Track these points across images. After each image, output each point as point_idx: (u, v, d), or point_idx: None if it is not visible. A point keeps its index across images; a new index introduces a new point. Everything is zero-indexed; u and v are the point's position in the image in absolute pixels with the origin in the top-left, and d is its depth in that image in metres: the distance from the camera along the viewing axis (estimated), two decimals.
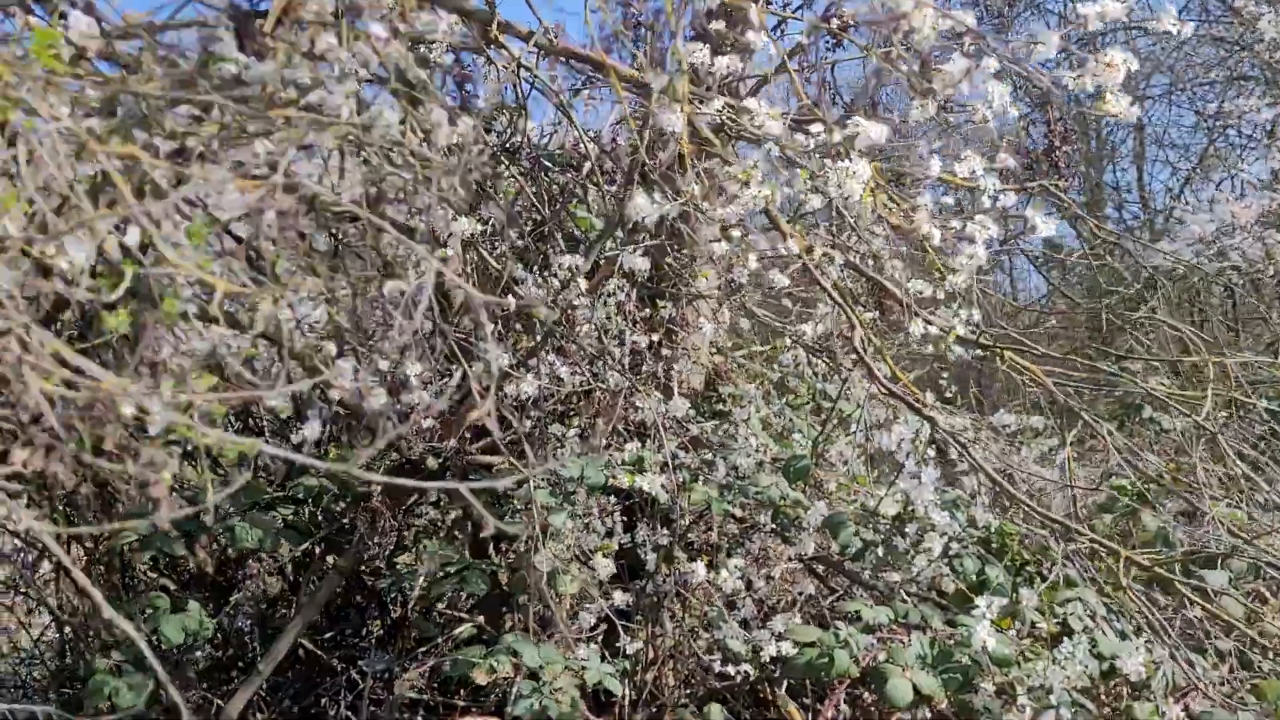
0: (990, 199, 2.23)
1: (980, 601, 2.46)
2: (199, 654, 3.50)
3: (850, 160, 2.04)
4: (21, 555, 3.54)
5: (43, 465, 1.06)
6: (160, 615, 2.95)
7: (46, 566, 3.64)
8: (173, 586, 3.33)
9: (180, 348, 2.56)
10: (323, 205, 2.90)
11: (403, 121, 2.90)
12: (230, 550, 3.40)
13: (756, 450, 3.00)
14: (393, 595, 3.56)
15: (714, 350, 3.30)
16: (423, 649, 3.52)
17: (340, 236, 3.31)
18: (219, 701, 3.21)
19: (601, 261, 3.12)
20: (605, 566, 2.81)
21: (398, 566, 3.57)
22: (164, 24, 2.77)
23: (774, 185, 2.06)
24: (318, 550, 3.46)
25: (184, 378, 1.23)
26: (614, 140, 3.58)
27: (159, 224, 1.55)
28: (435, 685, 3.46)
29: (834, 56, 3.30)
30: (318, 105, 2.62)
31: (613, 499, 3.03)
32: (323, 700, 3.55)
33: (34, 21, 1.47)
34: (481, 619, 3.25)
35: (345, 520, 3.39)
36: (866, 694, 2.82)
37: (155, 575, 3.36)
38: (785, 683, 3.07)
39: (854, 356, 2.76)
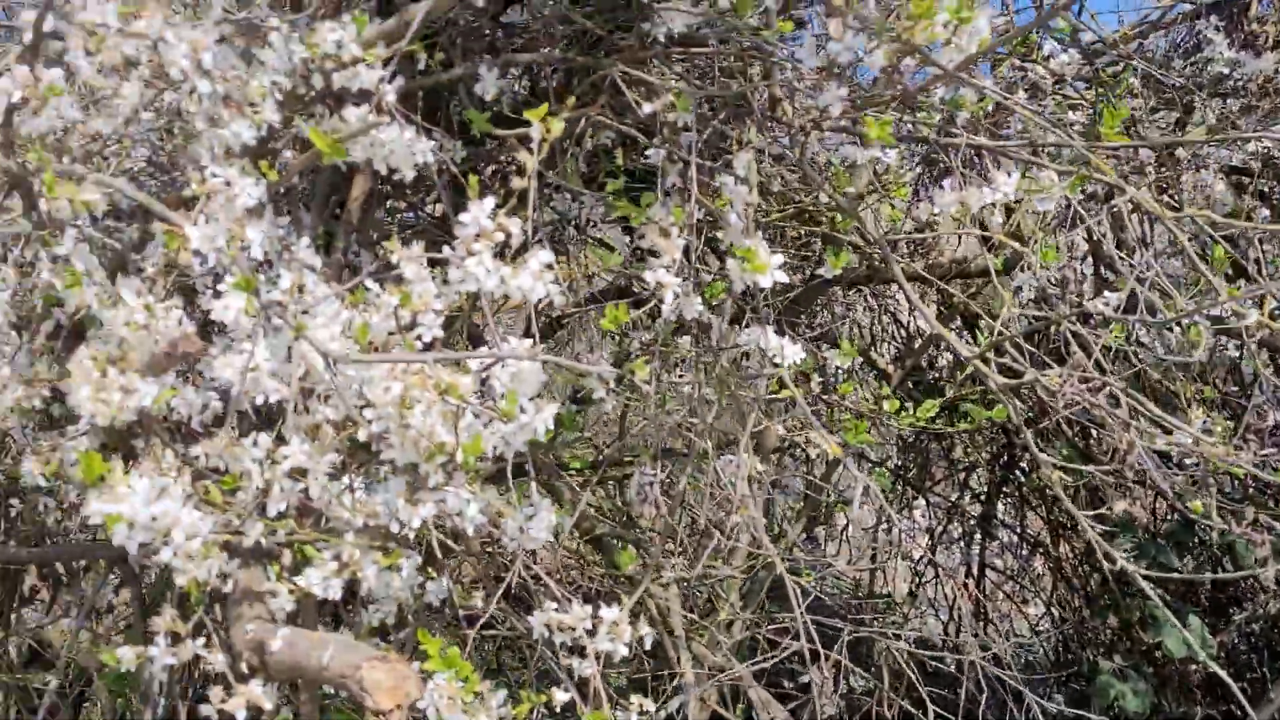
0: None
1: None
2: (1192, 668, 3.40)
3: None
4: (1019, 548, 3.85)
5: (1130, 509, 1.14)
6: (1161, 625, 2.93)
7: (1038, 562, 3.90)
8: (1166, 597, 3.29)
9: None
10: None
11: None
12: (1226, 564, 3.22)
13: None
14: None
15: None
16: None
17: None
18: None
19: None
20: None
21: None
22: (1140, 31, 2.75)
23: None
24: None
25: None
26: None
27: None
28: None
29: None
30: None
31: None
32: None
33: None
34: None
35: None
36: None
37: (1152, 584, 3.35)
38: None
39: None
